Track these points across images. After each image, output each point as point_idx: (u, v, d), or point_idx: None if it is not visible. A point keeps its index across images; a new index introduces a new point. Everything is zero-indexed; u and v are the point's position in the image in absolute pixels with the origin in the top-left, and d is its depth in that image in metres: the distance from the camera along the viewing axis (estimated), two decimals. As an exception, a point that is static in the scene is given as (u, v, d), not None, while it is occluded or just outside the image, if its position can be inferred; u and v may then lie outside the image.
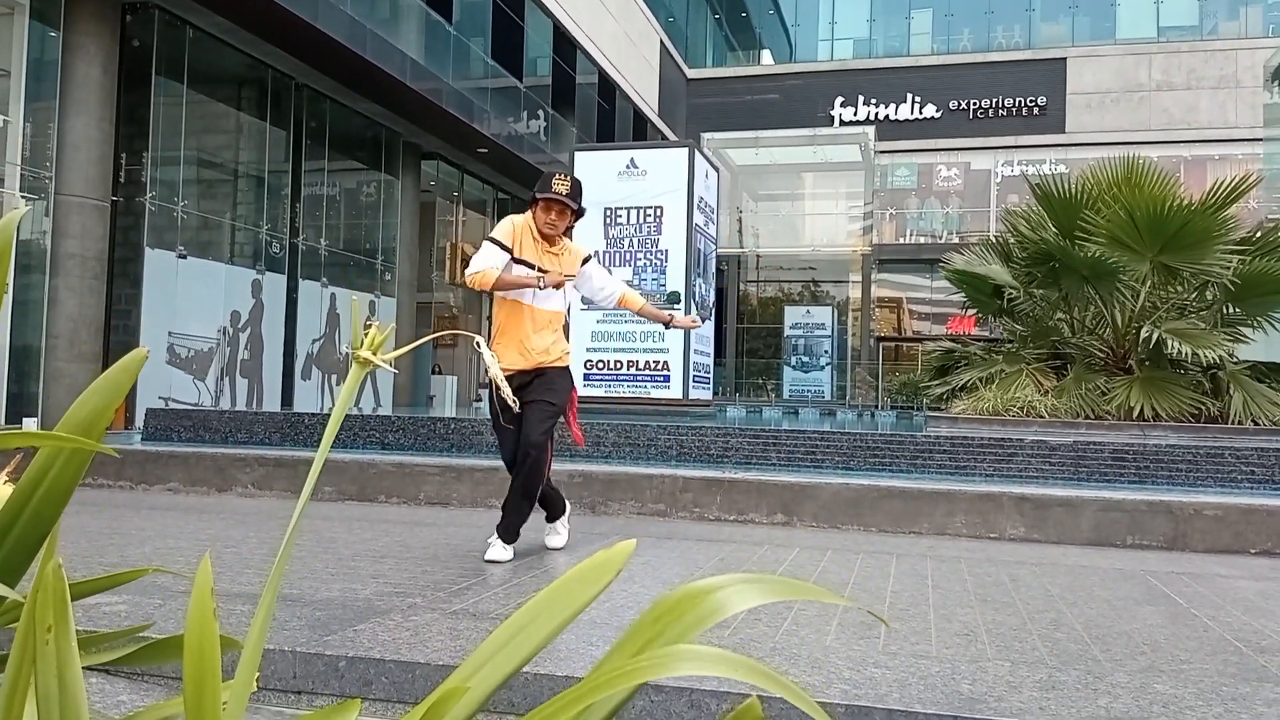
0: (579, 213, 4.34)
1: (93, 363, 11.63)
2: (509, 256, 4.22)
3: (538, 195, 4.24)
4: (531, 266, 4.23)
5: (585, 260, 4.46)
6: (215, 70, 13.81)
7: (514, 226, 4.27)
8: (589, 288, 4.52)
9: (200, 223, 13.51)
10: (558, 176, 4.25)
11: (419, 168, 18.84)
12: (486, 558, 4.12)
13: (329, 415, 7.77)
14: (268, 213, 14.72)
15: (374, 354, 0.95)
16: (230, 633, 2.93)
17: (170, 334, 12.48)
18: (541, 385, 4.24)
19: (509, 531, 4.19)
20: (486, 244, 4.26)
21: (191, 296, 12.81)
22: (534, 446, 4.13)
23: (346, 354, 16.17)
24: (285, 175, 15.15)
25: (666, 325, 4.76)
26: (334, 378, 15.82)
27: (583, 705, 0.69)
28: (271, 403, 14.17)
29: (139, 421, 10.94)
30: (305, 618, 2.99)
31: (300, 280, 15.15)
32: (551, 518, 4.56)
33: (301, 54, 14.00)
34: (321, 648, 2.67)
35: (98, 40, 11.66)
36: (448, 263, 20.58)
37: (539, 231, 4.27)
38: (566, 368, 4.39)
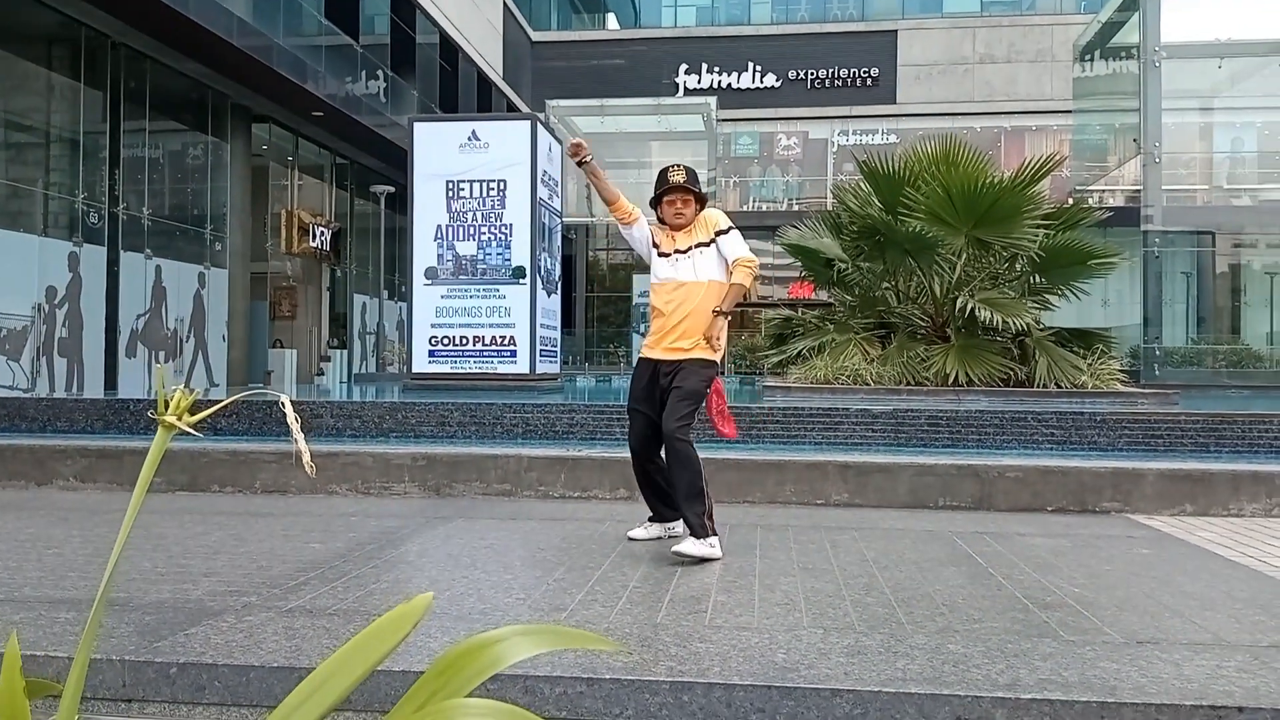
0: (701, 197, 4.45)
1: (-112, 345, 10.76)
2: (654, 244, 4.46)
3: (658, 193, 4.41)
4: (667, 255, 4.39)
5: (721, 231, 4.41)
6: (22, 28, 12.82)
7: (655, 228, 4.52)
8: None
9: (9, 192, 12.59)
10: (671, 169, 4.41)
11: (250, 131, 18.02)
12: (695, 554, 4.02)
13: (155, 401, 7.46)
14: (84, 180, 13.83)
15: (179, 419, 0.99)
16: (54, 644, 2.84)
17: (-22, 312, 11.65)
18: (679, 375, 4.29)
19: (701, 529, 4.09)
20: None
21: (2, 272, 11.96)
22: (671, 437, 4.17)
23: (174, 330, 15.43)
24: (103, 140, 14.24)
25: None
26: (161, 354, 15.08)
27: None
28: (94, 382, 13.42)
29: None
30: (134, 623, 2.94)
31: (122, 252, 14.32)
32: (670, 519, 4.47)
33: (117, 11, 13.15)
34: (152, 655, 2.65)
35: (-119, -8, 10.66)
36: (283, 230, 19.76)
37: (670, 226, 4.43)
38: (706, 359, 4.33)
